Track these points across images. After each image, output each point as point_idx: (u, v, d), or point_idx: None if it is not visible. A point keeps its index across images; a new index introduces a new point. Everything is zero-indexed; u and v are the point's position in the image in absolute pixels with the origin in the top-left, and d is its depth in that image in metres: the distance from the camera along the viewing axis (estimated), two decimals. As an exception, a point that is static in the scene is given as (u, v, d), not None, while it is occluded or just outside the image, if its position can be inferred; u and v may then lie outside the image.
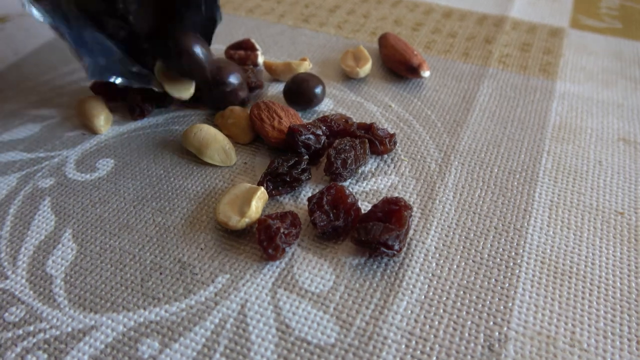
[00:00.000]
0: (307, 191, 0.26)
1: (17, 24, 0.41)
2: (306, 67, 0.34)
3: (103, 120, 0.30)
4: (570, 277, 0.22)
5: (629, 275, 0.22)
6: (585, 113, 0.32)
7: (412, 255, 0.23)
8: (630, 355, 0.20)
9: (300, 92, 0.30)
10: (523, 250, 0.23)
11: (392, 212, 0.23)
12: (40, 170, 0.27)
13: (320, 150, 0.27)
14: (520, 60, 0.37)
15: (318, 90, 0.30)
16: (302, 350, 0.20)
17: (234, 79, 0.29)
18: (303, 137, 0.26)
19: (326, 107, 0.32)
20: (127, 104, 0.31)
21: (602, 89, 0.34)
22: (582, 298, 0.22)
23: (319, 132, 0.27)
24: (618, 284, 0.22)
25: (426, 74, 0.33)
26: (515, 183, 0.27)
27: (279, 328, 0.20)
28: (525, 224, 0.24)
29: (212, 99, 0.30)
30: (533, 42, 0.39)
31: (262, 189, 0.24)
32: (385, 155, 0.28)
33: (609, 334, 0.20)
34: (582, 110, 0.32)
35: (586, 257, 0.23)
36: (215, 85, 0.29)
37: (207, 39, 0.30)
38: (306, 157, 0.26)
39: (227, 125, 0.29)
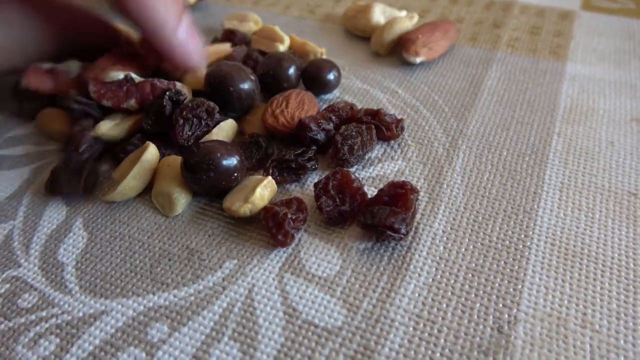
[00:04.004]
0: (314, 178, 0.26)
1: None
2: (315, 51, 0.34)
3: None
4: (581, 259, 0.22)
5: (642, 256, 0.22)
6: (596, 94, 0.31)
7: (419, 239, 0.23)
8: (644, 335, 0.19)
9: (315, 77, 0.30)
10: (533, 233, 0.23)
11: (398, 196, 0.23)
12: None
13: (328, 142, 0.27)
14: (530, 44, 0.36)
15: (331, 76, 0.30)
16: (310, 333, 0.20)
17: (244, 85, 0.27)
18: (313, 133, 0.26)
19: (332, 94, 0.32)
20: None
21: (614, 70, 0.33)
22: (594, 279, 0.21)
23: (330, 126, 0.27)
24: (631, 264, 0.22)
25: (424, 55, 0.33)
26: (525, 166, 0.26)
27: (286, 311, 0.20)
28: (535, 206, 0.24)
29: (233, 108, 0.28)
30: (543, 26, 0.38)
31: (270, 178, 0.24)
32: (392, 141, 0.28)
33: (622, 315, 0.20)
34: (593, 92, 0.31)
35: (598, 238, 0.23)
36: (228, 93, 0.27)
37: None
38: (314, 147, 0.26)
39: (242, 123, 0.29)
